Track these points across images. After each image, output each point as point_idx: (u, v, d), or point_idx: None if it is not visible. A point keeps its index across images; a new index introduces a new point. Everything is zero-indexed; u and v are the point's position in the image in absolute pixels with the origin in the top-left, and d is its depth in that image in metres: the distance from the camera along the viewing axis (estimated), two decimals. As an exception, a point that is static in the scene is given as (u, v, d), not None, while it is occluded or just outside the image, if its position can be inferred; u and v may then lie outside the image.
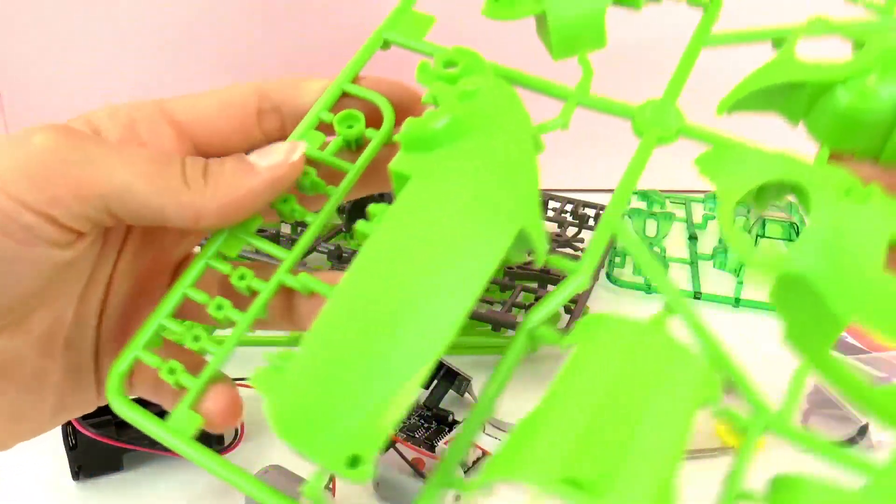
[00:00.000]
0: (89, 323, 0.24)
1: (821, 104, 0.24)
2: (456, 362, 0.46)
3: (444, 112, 0.22)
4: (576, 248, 0.60)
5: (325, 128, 0.25)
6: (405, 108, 0.26)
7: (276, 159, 0.23)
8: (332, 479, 0.38)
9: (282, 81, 0.26)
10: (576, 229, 0.63)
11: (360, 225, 0.22)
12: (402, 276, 0.21)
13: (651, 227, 0.66)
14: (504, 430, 0.43)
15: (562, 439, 0.18)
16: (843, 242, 0.21)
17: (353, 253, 0.56)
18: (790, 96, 0.24)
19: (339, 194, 0.25)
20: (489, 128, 0.23)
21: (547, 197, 0.64)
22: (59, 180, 0.21)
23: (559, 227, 0.63)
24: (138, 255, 0.25)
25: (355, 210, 0.54)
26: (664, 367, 0.21)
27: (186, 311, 0.24)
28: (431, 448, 0.41)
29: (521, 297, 0.52)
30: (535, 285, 0.53)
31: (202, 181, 0.23)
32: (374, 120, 0.25)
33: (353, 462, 0.19)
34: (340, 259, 0.52)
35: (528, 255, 0.23)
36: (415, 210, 0.22)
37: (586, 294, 0.53)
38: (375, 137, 0.25)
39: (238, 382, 0.46)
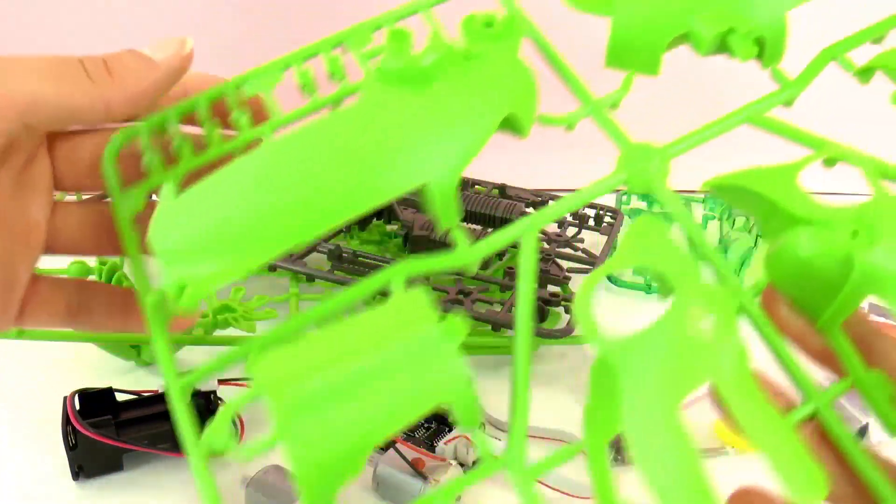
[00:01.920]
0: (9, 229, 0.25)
1: (782, 236, 0.23)
2: (456, 362, 0.46)
3: (431, 53, 0.24)
4: (575, 249, 0.60)
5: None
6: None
7: (170, 51, 0.25)
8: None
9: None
10: (576, 229, 0.63)
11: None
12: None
13: (651, 227, 0.66)
14: (504, 430, 0.43)
15: None
16: (657, 356, 0.21)
17: (354, 253, 0.56)
18: (768, 214, 0.24)
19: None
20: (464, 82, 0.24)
21: (547, 197, 0.64)
22: None
23: (559, 227, 0.63)
24: (35, 166, 0.26)
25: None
26: None
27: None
28: (431, 448, 0.41)
29: (521, 297, 0.52)
30: (534, 285, 0.53)
31: (107, 75, 0.24)
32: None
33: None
34: (340, 259, 0.52)
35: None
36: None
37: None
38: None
39: (238, 382, 0.46)
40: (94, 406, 0.40)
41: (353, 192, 0.22)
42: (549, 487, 0.39)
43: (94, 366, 0.49)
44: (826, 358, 0.22)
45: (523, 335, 0.24)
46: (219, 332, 0.48)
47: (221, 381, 0.43)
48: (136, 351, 0.49)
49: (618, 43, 0.27)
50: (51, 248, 0.26)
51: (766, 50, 0.27)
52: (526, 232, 0.24)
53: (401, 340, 0.20)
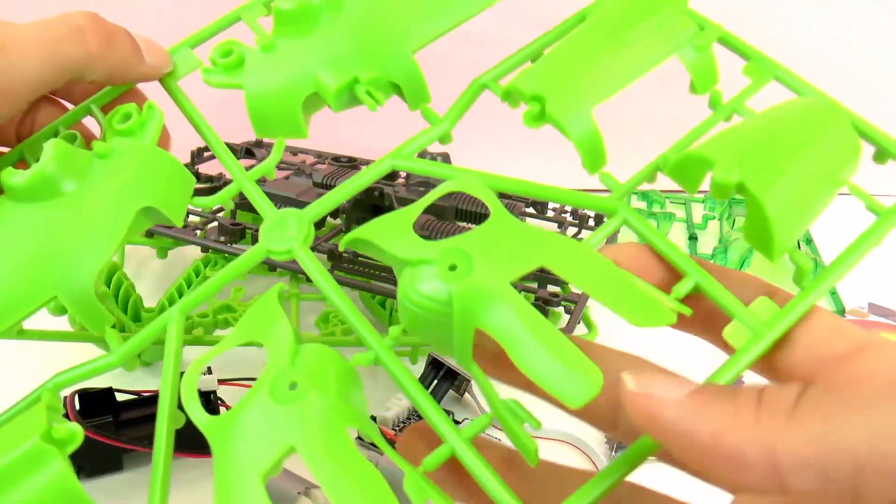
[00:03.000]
0: None
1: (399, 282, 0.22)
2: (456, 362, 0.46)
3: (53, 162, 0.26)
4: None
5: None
6: None
7: (157, 61, 0.29)
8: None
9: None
10: (576, 229, 0.63)
11: None
12: None
13: (651, 227, 0.66)
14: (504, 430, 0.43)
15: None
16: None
17: (354, 253, 0.56)
18: (391, 263, 0.24)
19: None
20: None
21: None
22: None
23: (559, 226, 0.63)
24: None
25: (354, 210, 0.54)
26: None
27: None
28: (431, 448, 0.41)
29: (521, 297, 0.52)
30: (535, 285, 0.53)
31: (107, 50, 0.28)
32: None
33: None
34: (341, 259, 0.52)
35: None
36: None
37: (586, 295, 0.53)
38: None
39: (238, 382, 0.46)
40: (94, 406, 0.40)
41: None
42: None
43: (93, 366, 0.49)
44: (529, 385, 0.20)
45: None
46: (219, 332, 0.48)
47: (221, 381, 0.43)
48: (136, 351, 0.49)
49: (255, 113, 0.28)
50: None
51: (405, 93, 0.28)
52: (171, 319, 0.26)
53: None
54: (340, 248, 0.24)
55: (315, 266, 0.25)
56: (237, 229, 0.52)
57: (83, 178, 0.26)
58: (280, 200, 0.55)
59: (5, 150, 0.30)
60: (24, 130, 0.30)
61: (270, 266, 0.54)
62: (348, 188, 0.27)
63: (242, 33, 0.30)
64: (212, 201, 0.28)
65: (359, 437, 0.42)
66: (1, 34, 0.25)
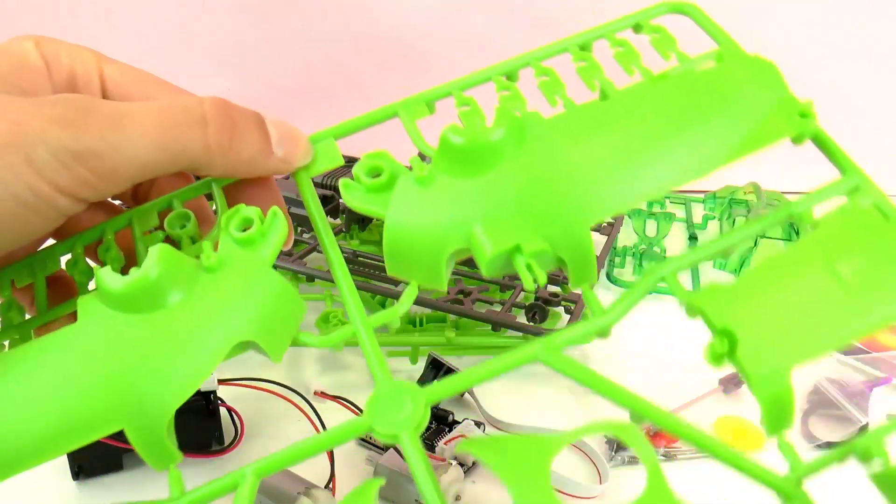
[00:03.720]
0: None
1: None
2: (456, 362, 0.46)
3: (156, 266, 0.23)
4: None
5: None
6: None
7: (293, 153, 0.27)
8: (331, 479, 0.38)
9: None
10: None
11: None
12: None
13: (651, 228, 0.66)
14: (504, 430, 0.43)
15: None
16: None
17: (354, 253, 0.56)
18: None
19: None
20: None
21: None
22: (97, 165, 0.23)
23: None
24: None
25: (354, 211, 0.54)
26: None
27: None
28: (431, 448, 0.41)
29: (522, 297, 0.52)
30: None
31: (227, 151, 0.25)
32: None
33: None
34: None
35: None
36: None
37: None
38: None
39: (237, 382, 0.46)
40: (94, 406, 0.40)
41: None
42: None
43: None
44: None
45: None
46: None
47: (221, 381, 0.43)
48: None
49: (393, 251, 0.25)
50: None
51: (570, 270, 0.24)
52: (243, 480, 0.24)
53: None
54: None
55: (419, 457, 0.22)
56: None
57: (185, 292, 0.23)
58: (280, 200, 0.55)
59: (117, 203, 0.29)
60: (141, 189, 0.29)
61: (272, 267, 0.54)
62: (489, 370, 0.24)
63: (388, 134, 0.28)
64: (322, 342, 0.26)
65: (362, 439, 0.42)
66: (121, 109, 0.23)
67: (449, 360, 0.46)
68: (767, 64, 0.26)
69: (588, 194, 0.24)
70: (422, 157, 0.26)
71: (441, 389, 0.24)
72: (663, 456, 0.41)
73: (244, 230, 0.25)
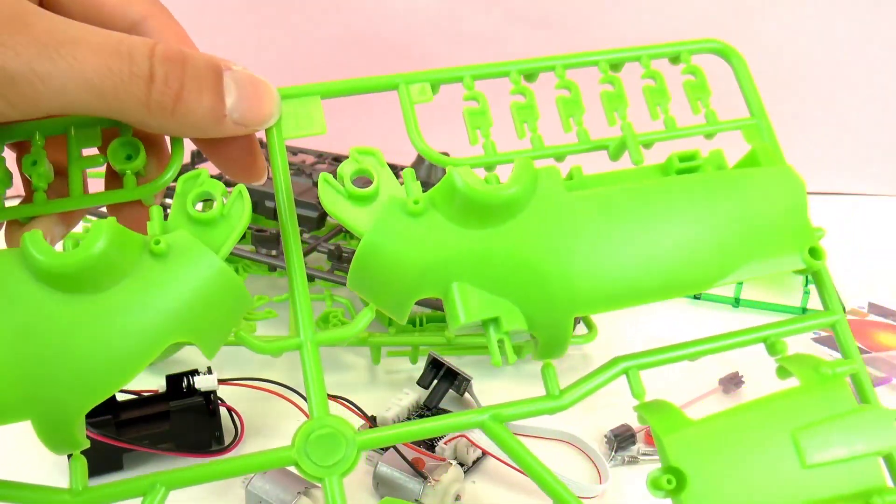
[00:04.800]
0: None
1: None
2: (456, 362, 0.46)
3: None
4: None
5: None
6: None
7: (252, 118, 0.23)
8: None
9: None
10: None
11: None
12: None
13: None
14: (504, 430, 0.43)
15: None
16: None
17: (353, 253, 0.56)
18: None
19: None
20: None
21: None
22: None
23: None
24: None
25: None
26: None
27: None
28: (431, 448, 0.41)
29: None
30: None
31: (168, 113, 0.22)
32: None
33: None
34: (340, 259, 0.52)
35: None
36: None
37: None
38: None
39: (237, 382, 0.46)
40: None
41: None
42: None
43: (94, 366, 0.49)
44: None
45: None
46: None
47: (222, 381, 0.43)
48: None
49: (360, 268, 0.23)
50: None
51: (539, 349, 0.24)
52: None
53: None
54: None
55: None
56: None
57: (125, 277, 0.21)
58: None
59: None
60: None
61: (271, 266, 0.54)
62: (429, 429, 0.24)
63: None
64: (262, 348, 0.25)
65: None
66: (58, 33, 0.20)
67: (449, 359, 0.46)
68: (796, 180, 0.25)
69: (585, 287, 0.23)
70: (416, 165, 0.26)
71: (375, 439, 0.23)
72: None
73: (205, 200, 0.23)
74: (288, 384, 0.45)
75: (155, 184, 0.24)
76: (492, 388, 0.46)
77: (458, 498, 0.38)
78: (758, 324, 0.26)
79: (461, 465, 0.40)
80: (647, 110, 0.27)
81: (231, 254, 0.23)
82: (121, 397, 0.42)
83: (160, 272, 0.21)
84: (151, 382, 0.45)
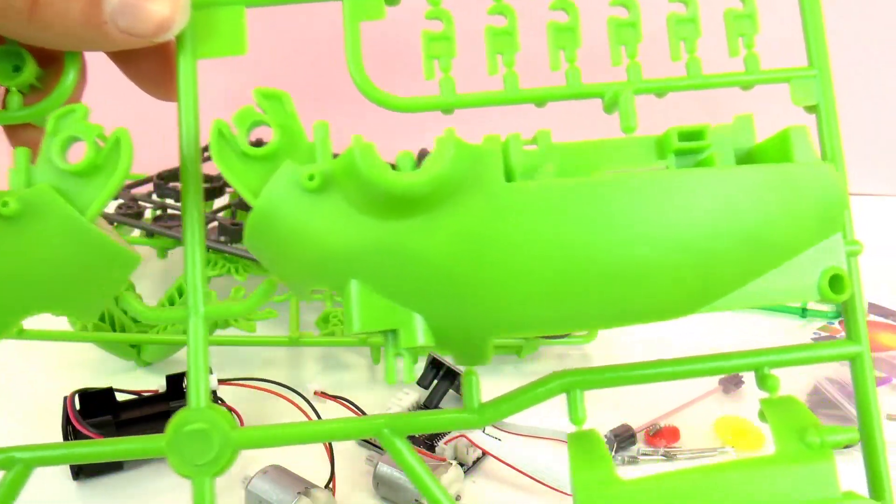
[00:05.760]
0: None
1: None
2: (456, 362, 0.46)
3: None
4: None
5: None
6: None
7: (140, 28, 0.20)
8: (331, 479, 0.38)
9: None
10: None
11: None
12: None
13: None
14: (503, 431, 0.43)
15: None
16: None
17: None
18: None
19: None
20: None
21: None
22: None
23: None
24: None
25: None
26: None
27: None
28: (431, 448, 0.41)
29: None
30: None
31: (25, 18, 0.19)
32: None
33: None
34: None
35: None
36: None
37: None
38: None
39: (237, 382, 0.46)
40: (94, 406, 0.40)
41: None
42: (536, 481, 0.39)
43: (94, 366, 0.49)
44: None
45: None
46: (219, 333, 0.48)
47: (222, 381, 0.43)
48: (136, 351, 0.49)
49: (255, 231, 0.20)
50: None
51: (457, 357, 0.22)
52: None
53: None
54: None
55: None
56: (237, 229, 0.52)
57: None
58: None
59: None
60: None
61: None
62: (321, 433, 0.23)
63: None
64: (147, 315, 0.22)
65: (362, 438, 0.42)
66: None
67: (449, 359, 0.46)
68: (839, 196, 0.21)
69: (513, 306, 0.19)
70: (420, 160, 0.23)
71: (255, 438, 0.21)
72: (663, 456, 0.41)
73: (73, 156, 0.19)
74: (288, 384, 0.45)
75: (39, 106, 0.20)
76: (492, 388, 0.46)
77: (458, 498, 0.38)
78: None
79: (461, 465, 0.40)
80: (667, 49, 0.21)
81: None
82: (121, 397, 0.42)
83: (13, 237, 0.18)
84: (151, 382, 0.45)
